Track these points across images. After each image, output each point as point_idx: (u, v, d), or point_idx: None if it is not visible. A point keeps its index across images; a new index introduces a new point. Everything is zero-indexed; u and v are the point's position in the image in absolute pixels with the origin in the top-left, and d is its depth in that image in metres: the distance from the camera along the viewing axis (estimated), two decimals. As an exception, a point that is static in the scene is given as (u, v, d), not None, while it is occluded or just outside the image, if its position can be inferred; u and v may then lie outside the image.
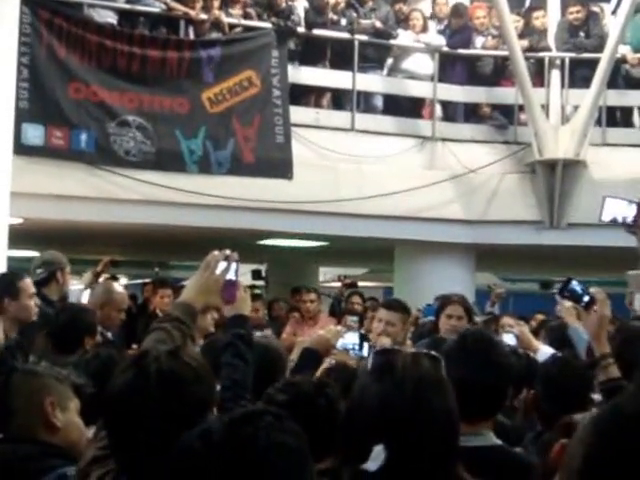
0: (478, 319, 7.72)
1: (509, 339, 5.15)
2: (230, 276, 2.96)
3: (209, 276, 2.93)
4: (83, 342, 4.61)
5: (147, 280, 11.84)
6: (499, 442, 2.76)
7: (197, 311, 2.90)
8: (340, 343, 4.18)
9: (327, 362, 3.98)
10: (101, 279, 7.14)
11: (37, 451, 2.76)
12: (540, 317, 9.12)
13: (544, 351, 4.95)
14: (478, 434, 2.71)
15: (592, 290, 3.14)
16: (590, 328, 3.18)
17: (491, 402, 2.82)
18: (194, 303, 2.90)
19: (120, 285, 6.17)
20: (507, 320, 6.73)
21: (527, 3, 11.65)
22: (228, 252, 2.97)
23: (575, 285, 3.12)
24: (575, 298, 3.12)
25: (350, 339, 4.26)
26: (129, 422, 2.07)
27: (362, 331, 4.61)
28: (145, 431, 2.04)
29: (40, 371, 3.06)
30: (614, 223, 2.48)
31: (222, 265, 2.95)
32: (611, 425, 1.23)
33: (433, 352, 2.05)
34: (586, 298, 3.09)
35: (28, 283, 5.29)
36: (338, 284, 13.45)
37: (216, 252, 2.97)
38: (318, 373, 3.87)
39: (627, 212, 2.38)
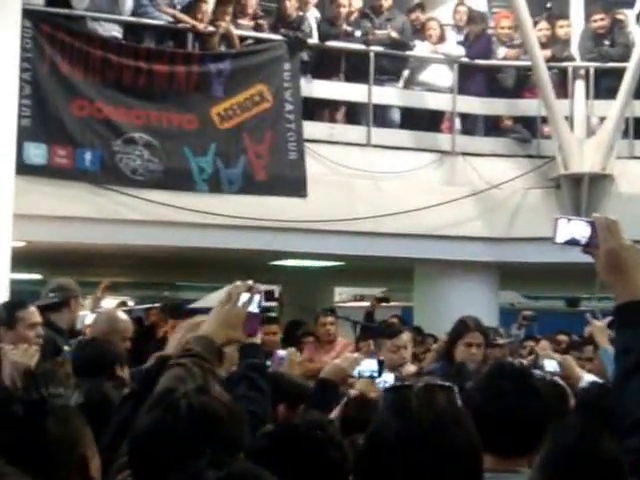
0: (502, 341, 7.52)
1: (552, 366, 5.08)
2: (252, 309, 2.90)
3: (231, 308, 2.84)
4: (114, 372, 4.39)
5: (151, 305, 11.57)
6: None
7: (218, 346, 2.78)
8: (357, 370, 4.14)
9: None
10: (109, 303, 6.97)
11: None
12: (563, 338, 8.89)
13: (587, 380, 4.84)
14: (514, 471, 2.56)
15: None
16: None
17: (529, 435, 2.64)
18: (215, 337, 2.78)
19: (124, 313, 5.94)
20: (545, 344, 6.64)
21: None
22: (251, 283, 2.90)
23: None
24: None
25: (367, 366, 4.23)
26: (158, 462, 2.01)
27: (380, 357, 4.57)
28: (175, 471, 1.93)
29: (75, 412, 2.63)
30: (572, 244, 2.19)
31: (244, 296, 2.87)
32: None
33: (446, 383, 2.06)
34: None
35: (30, 312, 5.11)
36: (354, 304, 13.16)
37: (238, 282, 2.89)
38: (337, 409, 3.76)
39: (585, 232, 2.16)
